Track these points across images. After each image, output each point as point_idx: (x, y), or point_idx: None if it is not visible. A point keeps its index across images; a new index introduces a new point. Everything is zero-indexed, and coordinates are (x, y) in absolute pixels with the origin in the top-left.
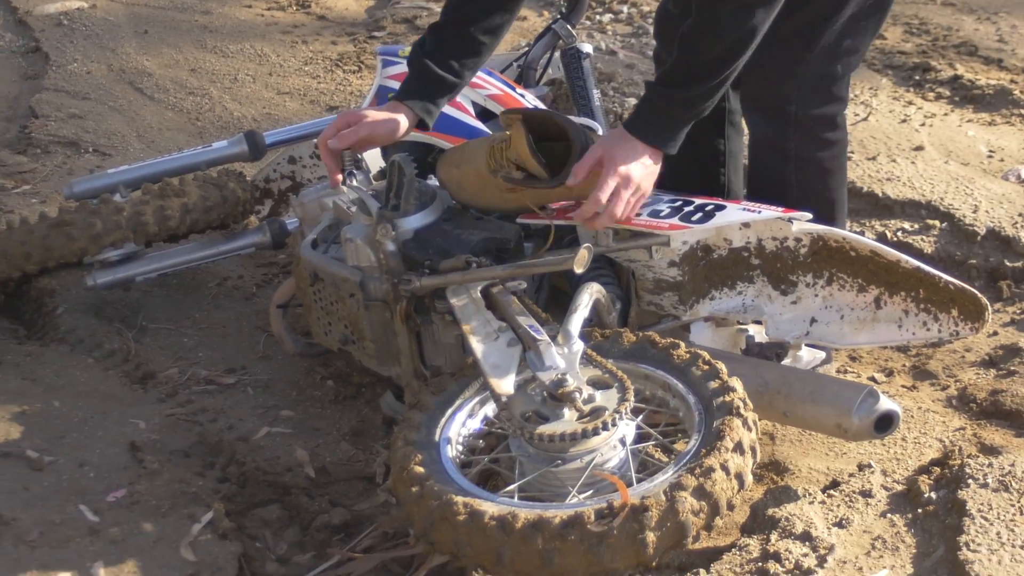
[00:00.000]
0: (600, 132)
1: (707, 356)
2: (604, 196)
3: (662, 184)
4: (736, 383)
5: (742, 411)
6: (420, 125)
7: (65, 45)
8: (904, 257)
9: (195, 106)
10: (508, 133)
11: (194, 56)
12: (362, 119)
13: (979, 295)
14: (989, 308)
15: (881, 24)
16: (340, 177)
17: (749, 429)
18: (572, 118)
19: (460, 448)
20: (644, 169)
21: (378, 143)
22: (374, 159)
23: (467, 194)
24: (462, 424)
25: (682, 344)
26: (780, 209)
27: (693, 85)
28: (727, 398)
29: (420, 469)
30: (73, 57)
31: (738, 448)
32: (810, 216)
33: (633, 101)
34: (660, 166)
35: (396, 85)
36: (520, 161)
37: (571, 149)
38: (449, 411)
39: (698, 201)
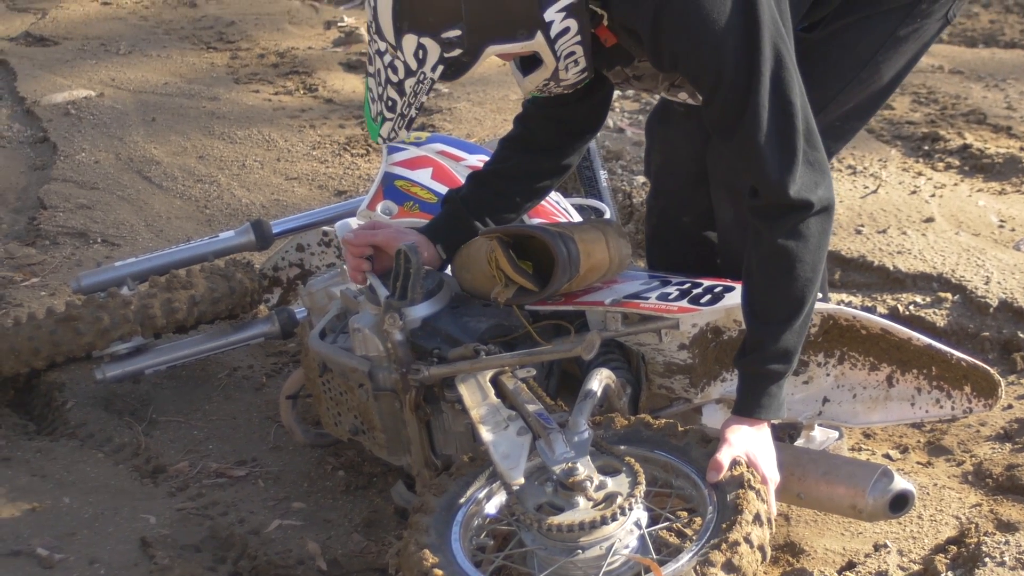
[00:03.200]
0: (608, 214)
1: (704, 433)
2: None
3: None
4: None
5: (753, 483)
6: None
7: (73, 135)
8: (915, 334)
9: (203, 194)
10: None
11: (202, 143)
12: (386, 227)
13: (992, 371)
14: (1002, 384)
15: (872, 114)
16: (360, 275)
17: (763, 500)
18: (546, 226)
19: (470, 547)
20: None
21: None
22: None
23: (483, 293)
24: (469, 523)
25: (677, 423)
26: None
27: (782, 330)
28: (735, 472)
29: (440, 572)
30: (81, 147)
31: (757, 519)
32: (819, 295)
33: (641, 179)
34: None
35: (401, 172)
36: (509, 277)
37: (554, 256)
38: (455, 511)
39: (706, 283)
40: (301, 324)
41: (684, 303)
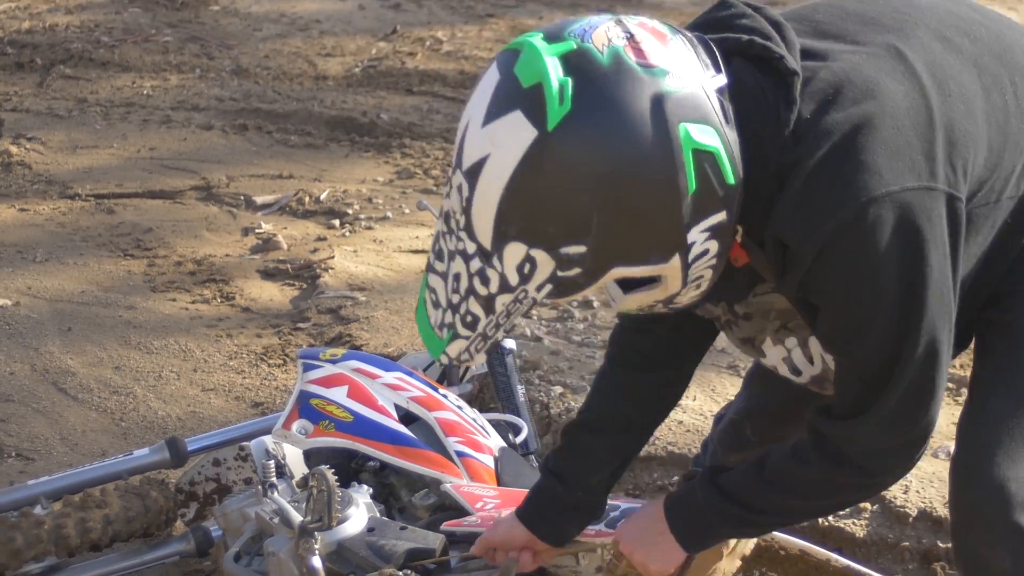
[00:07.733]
0: (525, 429)
1: None
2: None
3: None
4: None
5: None
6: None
7: None
8: (834, 556)
9: (119, 406)
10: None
11: (118, 353)
12: (495, 524)
13: None
14: None
15: None
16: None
17: None
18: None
19: None
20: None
21: None
22: (297, 465)
23: None
24: None
25: None
26: None
27: (756, 515)
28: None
29: None
30: None
31: None
32: None
33: (559, 390)
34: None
35: (317, 390)
36: None
37: None
38: None
39: (624, 506)
40: (216, 545)
41: (601, 527)
